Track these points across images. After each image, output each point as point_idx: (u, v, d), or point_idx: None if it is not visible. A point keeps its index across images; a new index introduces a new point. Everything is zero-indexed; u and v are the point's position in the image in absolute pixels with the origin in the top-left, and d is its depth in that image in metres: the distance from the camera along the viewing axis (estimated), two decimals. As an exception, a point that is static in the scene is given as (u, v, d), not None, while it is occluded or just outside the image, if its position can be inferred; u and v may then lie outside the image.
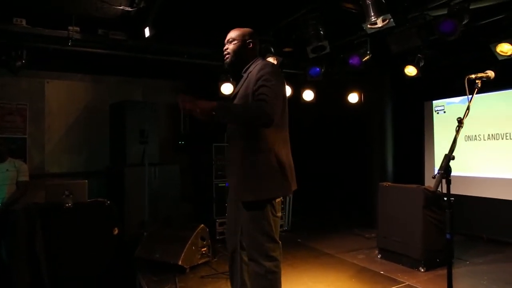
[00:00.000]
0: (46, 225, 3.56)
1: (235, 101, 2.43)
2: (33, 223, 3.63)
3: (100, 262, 3.75)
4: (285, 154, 2.40)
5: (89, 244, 3.69)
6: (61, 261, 3.51)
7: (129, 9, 4.09)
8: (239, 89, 2.43)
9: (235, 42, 2.45)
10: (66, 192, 3.66)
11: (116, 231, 3.96)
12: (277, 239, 2.36)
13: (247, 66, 2.46)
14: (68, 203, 3.62)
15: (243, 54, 2.46)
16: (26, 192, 4.32)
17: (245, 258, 2.57)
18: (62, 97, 5.82)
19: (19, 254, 3.79)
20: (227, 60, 2.48)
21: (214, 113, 2.19)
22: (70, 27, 4.34)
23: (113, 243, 3.95)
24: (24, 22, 4.16)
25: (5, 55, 4.31)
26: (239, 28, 2.51)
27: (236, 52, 2.45)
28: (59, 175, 5.56)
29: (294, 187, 2.47)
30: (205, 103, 2.22)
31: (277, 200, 2.36)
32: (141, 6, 3.97)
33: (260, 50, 4.76)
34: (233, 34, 2.48)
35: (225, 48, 2.49)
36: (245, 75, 2.44)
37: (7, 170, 4.19)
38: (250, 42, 2.47)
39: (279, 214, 2.40)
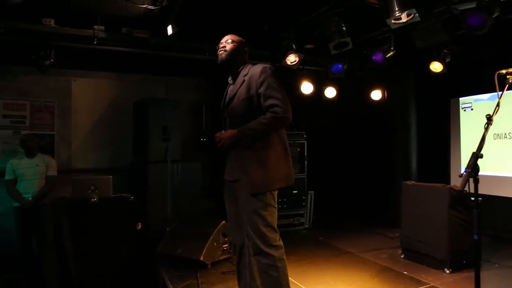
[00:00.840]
0: (73, 219, 3.66)
1: (235, 103, 2.58)
2: (60, 217, 3.75)
3: (123, 256, 3.83)
4: (287, 146, 2.60)
5: (113, 238, 3.78)
6: (87, 253, 3.61)
7: (152, 7, 4.15)
8: (237, 91, 2.57)
9: (234, 44, 2.65)
10: (92, 187, 3.75)
11: (139, 226, 4.04)
12: (276, 229, 2.53)
13: (239, 69, 2.65)
14: (93, 198, 3.71)
15: (237, 56, 2.65)
16: (54, 187, 4.46)
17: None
18: (87, 95, 5.97)
19: (48, 247, 3.92)
20: (222, 56, 2.65)
21: (240, 139, 2.46)
22: (95, 26, 4.44)
23: (137, 238, 4.03)
24: (52, 22, 4.29)
25: (35, 54, 4.45)
26: (236, 35, 2.72)
27: (232, 52, 2.63)
28: (85, 170, 5.72)
29: (293, 173, 2.65)
30: (228, 133, 2.51)
31: (276, 192, 2.54)
32: (164, 4, 4.02)
33: (281, 47, 4.80)
34: (231, 37, 2.69)
35: (222, 45, 2.67)
36: (239, 79, 2.61)
37: (37, 165, 4.34)
38: (245, 50, 2.70)
39: (276, 205, 2.59)
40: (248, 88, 2.51)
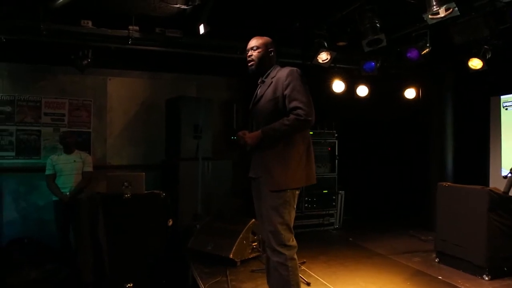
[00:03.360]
0: (107, 213, 3.78)
1: (261, 103, 2.65)
2: (96, 211, 3.88)
3: (155, 251, 3.91)
4: (310, 144, 2.63)
5: (145, 233, 3.87)
6: (120, 247, 3.72)
7: (185, 7, 4.20)
8: (264, 92, 2.63)
9: (259, 50, 2.69)
10: (126, 184, 3.85)
11: (170, 222, 4.11)
12: (292, 230, 2.55)
13: (268, 71, 2.70)
14: (127, 194, 3.81)
15: (266, 62, 2.70)
16: (90, 182, 4.63)
17: None
18: (122, 93, 6.13)
19: (84, 239, 4.08)
20: (252, 66, 2.72)
21: (263, 140, 2.51)
22: (130, 27, 4.56)
23: (167, 233, 4.11)
24: (90, 24, 4.44)
25: (74, 55, 4.64)
26: (260, 37, 2.74)
27: (260, 59, 2.69)
28: (119, 167, 5.88)
29: (315, 173, 2.68)
30: (251, 134, 2.57)
31: (297, 192, 2.58)
32: (196, 3, 4.06)
33: (313, 45, 4.73)
34: (256, 42, 2.71)
35: (249, 54, 2.72)
36: (267, 80, 2.66)
37: (74, 161, 4.52)
38: (271, 50, 2.72)
39: (295, 206, 2.61)
40: (275, 90, 2.57)
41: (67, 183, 4.43)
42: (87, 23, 4.40)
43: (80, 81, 5.78)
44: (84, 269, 4.08)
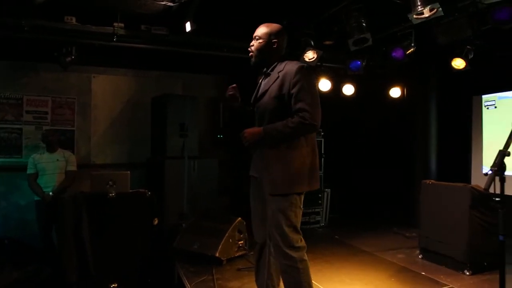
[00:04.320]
0: (92, 213, 3.73)
1: (266, 99, 2.50)
2: (79, 210, 3.82)
3: (140, 250, 3.87)
4: (316, 149, 2.52)
5: (130, 233, 3.82)
6: (105, 246, 3.67)
7: (171, 4, 4.16)
8: (269, 87, 2.48)
9: (260, 40, 2.51)
10: (110, 182, 3.80)
11: (156, 222, 4.08)
12: (299, 230, 2.47)
13: (273, 65, 2.53)
14: (111, 193, 3.76)
15: (267, 54, 2.52)
16: (74, 181, 4.55)
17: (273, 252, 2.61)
18: (107, 91, 6.05)
19: (67, 239, 4.00)
20: (252, 58, 2.57)
21: (263, 139, 2.39)
22: (115, 24, 4.48)
23: (153, 232, 4.07)
24: (74, 20, 4.36)
25: (57, 52, 4.55)
26: (268, 25, 2.54)
27: (260, 51, 2.52)
28: (103, 166, 5.81)
29: (318, 177, 2.58)
30: (252, 130, 2.42)
31: (303, 194, 2.48)
32: (182, 1, 4.03)
33: (299, 43, 4.75)
34: (259, 31, 2.53)
35: (250, 44, 2.56)
36: (273, 74, 2.49)
37: (57, 160, 4.44)
38: (275, 42, 2.50)
39: (302, 207, 2.52)
40: (281, 86, 2.41)
41: (50, 182, 4.35)
42: (71, 19, 4.32)
43: (64, 78, 5.68)
44: (67, 269, 4.01)
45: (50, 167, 4.37)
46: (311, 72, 2.46)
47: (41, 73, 5.60)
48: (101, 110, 6.01)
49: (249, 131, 2.44)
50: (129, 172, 4.12)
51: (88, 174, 4.17)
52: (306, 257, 2.43)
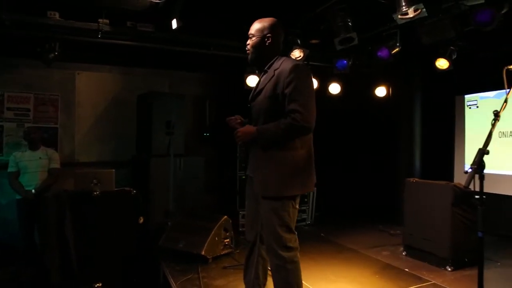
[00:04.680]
0: (75, 212, 3.68)
1: (260, 98, 2.46)
2: (63, 209, 3.76)
3: (125, 249, 3.84)
4: (312, 151, 2.47)
5: (115, 231, 3.79)
6: (89, 246, 3.63)
7: (157, 0, 4.12)
8: (265, 86, 2.44)
9: (254, 38, 2.48)
10: (94, 181, 3.76)
11: (141, 220, 4.05)
12: (294, 229, 2.43)
13: (271, 62, 2.48)
14: (96, 191, 3.72)
15: (262, 50, 2.47)
16: (57, 180, 4.47)
17: (264, 253, 2.61)
18: (91, 88, 5.97)
19: (50, 238, 3.94)
20: (249, 56, 2.53)
21: (256, 139, 2.35)
22: (100, 20, 4.42)
23: (138, 231, 4.04)
24: (57, 15, 4.27)
25: (40, 48, 4.45)
26: (261, 20, 2.52)
27: (255, 48, 2.48)
28: (88, 164, 5.73)
29: (314, 180, 2.53)
30: (246, 129, 2.38)
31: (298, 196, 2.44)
32: (168, -3, 4.00)
33: (286, 42, 4.76)
34: (253, 28, 2.50)
35: (247, 43, 2.53)
36: (270, 71, 2.45)
37: (40, 158, 4.35)
38: (269, 37, 2.46)
39: (297, 206, 2.47)
40: (275, 85, 2.35)
41: (32, 181, 4.26)
42: (54, 14, 4.24)
43: (47, 75, 5.57)
44: (50, 269, 3.95)
45: (32, 165, 4.29)
46: (307, 70, 2.40)
47: (23, 69, 5.48)
48: (85, 107, 5.92)
49: (243, 130, 2.40)
50: (114, 170, 4.08)
51: (72, 173, 4.12)
52: (297, 259, 2.40)
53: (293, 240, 2.40)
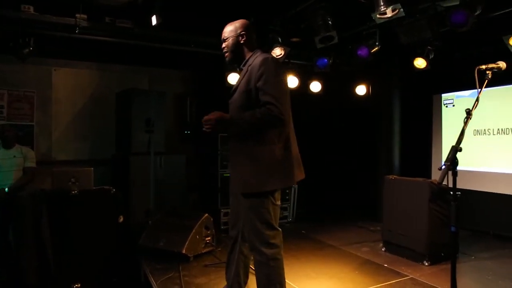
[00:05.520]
0: (52, 211, 3.59)
1: (236, 95, 2.49)
2: (39, 208, 3.67)
3: (105, 249, 3.78)
4: (290, 145, 2.44)
5: (94, 231, 3.72)
6: (67, 246, 3.55)
7: (136, -4, 4.07)
8: (240, 83, 2.48)
9: (229, 39, 2.55)
10: (72, 179, 3.68)
11: (121, 219, 3.99)
12: (277, 226, 2.42)
13: (246, 59, 2.53)
14: (74, 190, 3.64)
15: (238, 49, 2.54)
16: (33, 178, 4.36)
17: (245, 251, 2.62)
18: (69, 85, 5.84)
19: (26, 239, 3.85)
20: (227, 58, 2.61)
21: (229, 124, 2.34)
22: (77, 15, 4.32)
23: (118, 230, 3.98)
24: (32, 9, 4.15)
25: (13, 42, 4.31)
26: (231, 23, 2.59)
27: (231, 48, 2.55)
28: (65, 162, 5.61)
29: (301, 176, 2.53)
30: (220, 115, 2.33)
31: (277, 192, 2.44)
32: (148, -7, 3.95)
33: (267, 40, 4.77)
34: (226, 31, 2.58)
35: (223, 46, 2.59)
36: (245, 68, 2.49)
37: (14, 156, 4.23)
38: (243, 35, 2.53)
39: (279, 202, 2.47)
40: (248, 81, 2.39)
41: (6, 180, 4.14)
42: (28, 8, 4.11)
43: (22, 71, 5.41)
44: (26, 270, 3.86)
45: (6, 164, 4.16)
46: (277, 63, 2.40)
47: (-4, 64, 5.32)
48: (62, 104, 5.79)
49: (217, 113, 2.33)
50: (92, 168, 4.00)
51: (49, 171, 4.01)
52: (280, 256, 2.41)
53: (276, 237, 2.39)
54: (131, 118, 5.31)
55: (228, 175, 5.26)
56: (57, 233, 3.57)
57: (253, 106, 2.33)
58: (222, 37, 2.58)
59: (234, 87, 2.55)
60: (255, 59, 2.44)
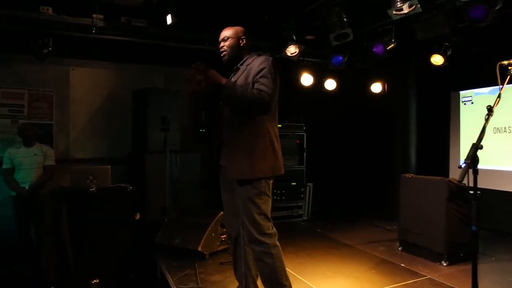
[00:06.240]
0: (71, 209, 3.66)
1: None
2: (59, 206, 3.74)
3: (122, 246, 3.84)
4: (277, 138, 2.64)
5: (112, 228, 3.78)
6: (85, 242, 3.61)
7: (152, -4, 4.11)
8: (238, 78, 2.60)
9: (230, 40, 2.68)
10: (90, 177, 3.74)
11: (138, 216, 4.04)
12: (270, 217, 2.57)
13: (243, 60, 2.68)
14: (92, 188, 3.71)
15: (238, 50, 2.69)
16: (52, 176, 4.45)
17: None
18: (86, 84, 5.93)
19: (46, 236, 3.92)
20: (225, 57, 2.70)
21: (221, 86, 2.39)
22: (94, 15, 4.39)
23: (135, 228, 4.03)
24: (50, 10, 4.24)
25: (33, 43, 4.41)
26: (231, 27, 2.73)
27: (231, 48, 2.67)
28: (83, 160, 5.70)
29: (282, 164, 2.67)
30: (216, 74, 2.41)
31: (271, 181, 2.59)
32: (163, -7, 3.98)
33: (281, 38, 4.76)
34: (227, 32, 2.70)
35: (221, 46, 2.71)
36: (242, 67, 2.64)
37: (34, 154, 4.32)
38: (243, 39, 2.70)
39: (270, 195, 2.62)
40: (247, 76, 2.54)
41: (27, 177, 4.23)
42: (47, 9, 4.20)
43: (41, 71, 5.53)
44: (47, 266, 3.94)
45: (27, 162, 4.26)
46: (276, 65, 2.55)
47: (17, 65, 5.44)
48: (80, 103, 5.88)
49: (214, 72, 2.41)
50: (109, 166, 4.06)
51: (68, 169, 4.09)
52: (278, 244, 2.53)
53: (270, 227, 2.54)
54: (147, 116, 5.36)
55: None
56: (76, 230, 3.64)
57: None
58: (222, 37, 2.70)
59: None
60: (254, 59, 2.61)
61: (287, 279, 2.53)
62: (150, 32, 4.71)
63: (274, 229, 2.56)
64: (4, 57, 5.35)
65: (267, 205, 2.54)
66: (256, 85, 2.46)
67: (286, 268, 2.57)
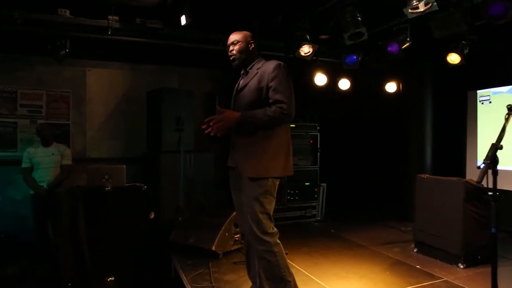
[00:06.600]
0: (88, 207, 3.73)
1: (245, 92, 2.66)
2: (75, 204, 3.82)
3: (137, 244, 3.88)
4: (289, 141, 2.68)
5: (127, 227, 3.83)
6: (101, 241, 3.67)
7: (166, -3, 4.14)
8: (249, 81, 2.65)
9: (240, 43, 2.72)
10: (106, 177, 3.81)
11: (152, 215, 4.09)
12: (272, 218, 2.62)
13: (252, 64, 2.72)
14: (108, 187, 3.77)
15: (247, 54, 2.73)
16: (69, 175, 4.53)
17: None
18: (102, 85, 6.02)
19: (63, 233, 4.01)
20: (235, 61, 2.74)
21: (240, 123, 2.49)
22: (109, 17, 4.46)
23: (149, 226, 4.08)
24: (68, 13, 4.32)
25: (51, 45, 4.50)
26: (239, 32, 2.77)
27: (241, 52, 2.71)
28: (99, 160, 5.80)
29: (292, 165, 2.72)
30: (230, 115, 2.50)
31: (277, 181, 2.63)
32: (177, -6, 4.01)
33: (295, 37, 4.74)
34: (236, 36, 2.74)
35: (230, 49, 2.76)
36: (252, 71, 2.68)
37: (52, 154, 4.41)
38: (252, 43, 2.75)
39: (275, 195, 2.68)
40: (260, 80, 2.58)
41: (45, 176, 4.32)
42: (64, 12, 4.28)
43: (58, 72, 5.64)
44: (64, 264, 4.02)
45: (45, 161, 4.35)
46: (288, 70, 2.60)
47: (36, 66, 5.56)
48: (96, 104, 5.98)
49: (227, 115, 2.50)
50: (125, 166, 4.12)
51: (84, 168, 4.16)
52: (279, 241, 2.57)
53: (272, 226, 2.58)
54: (161, 116, 5.41)
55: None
56: (92, 228, 3.70)
57: (262, 102, 2.55)
58: (232, 41, 2.73)
59: (241, 86, 2.73)
60: (263, 63, 2.66)
61: (291, 275, 2.58)
62: (165, 33, 4.75)
63: (276, 229, 2.61)
64: (24, 59, 5.48)
65: (271, 205, 2.59)
66: (272, 94, 2.50)
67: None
